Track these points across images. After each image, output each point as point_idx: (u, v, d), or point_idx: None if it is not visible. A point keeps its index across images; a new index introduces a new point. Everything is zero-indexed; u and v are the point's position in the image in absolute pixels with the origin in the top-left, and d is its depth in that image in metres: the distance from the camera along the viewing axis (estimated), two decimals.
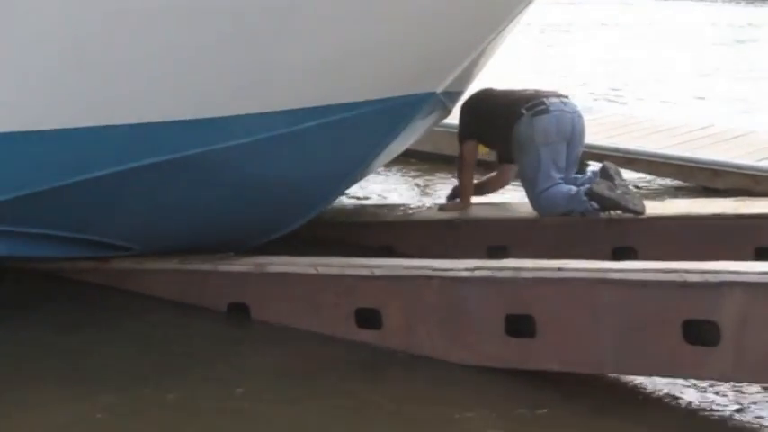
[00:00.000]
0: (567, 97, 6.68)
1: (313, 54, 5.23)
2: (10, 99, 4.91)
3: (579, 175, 6.65)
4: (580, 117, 6.63)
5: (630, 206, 6.24)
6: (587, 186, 6.31)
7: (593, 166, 6.74)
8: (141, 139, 5.14)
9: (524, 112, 6.46)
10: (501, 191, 7.28)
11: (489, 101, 6.74)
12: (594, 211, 6.30)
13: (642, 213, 6.25)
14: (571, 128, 6.52)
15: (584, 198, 6.29)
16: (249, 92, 5.26)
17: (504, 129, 6.53)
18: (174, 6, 4.80)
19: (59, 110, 4.97)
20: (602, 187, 6.25)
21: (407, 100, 5.83)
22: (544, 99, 6.52)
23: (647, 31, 23.23)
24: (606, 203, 6.25)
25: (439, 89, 5.99)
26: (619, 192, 6.26)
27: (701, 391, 4.87)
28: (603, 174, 6.39)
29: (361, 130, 5.75)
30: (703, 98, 14.16)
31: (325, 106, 5.49)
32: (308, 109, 5.44)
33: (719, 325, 4.52)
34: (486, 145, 6.88)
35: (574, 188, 6.37)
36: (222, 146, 5.34)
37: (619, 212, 6.27)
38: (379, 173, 7.85)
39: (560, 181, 6.44)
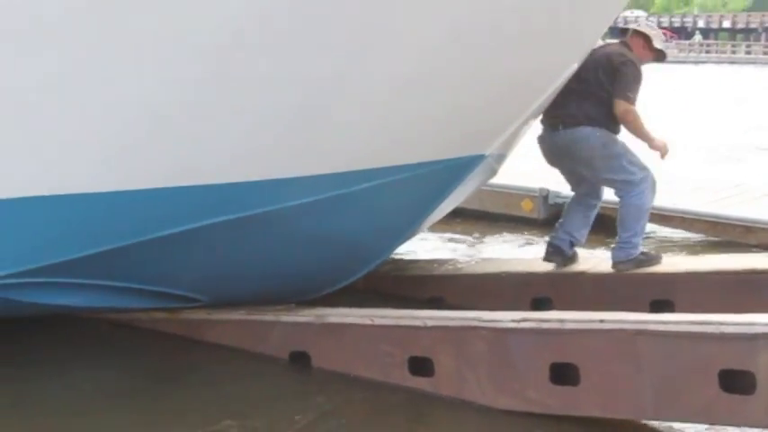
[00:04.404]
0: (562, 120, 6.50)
1: (373, 120, 5.43)
2: (92, 161, 5.07)
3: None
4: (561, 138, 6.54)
5: None
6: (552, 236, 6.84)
7: None
8: (213, 199, 5.35)
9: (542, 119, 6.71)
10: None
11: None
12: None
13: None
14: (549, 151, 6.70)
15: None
16: (311, 155, 5.45)
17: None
18: (247, 77, 4.98)
19: (138, 171, 5.16)
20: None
21: (459, 162, 6.06)
22: (546, 120, 6.62)
23: (685, 90, 23.24)
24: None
25: (488, 152, 6.24)
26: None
27: None
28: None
29: (416, 190, 5.95)
30: (740, 159, 14.38)
31: (384, 168, 5.69)
32: (368, 170, 5.63)
33: (755, 374, 4.64)
34: None
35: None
36: (286, 205, 5.54)
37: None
38: (429, 230, 8.08)
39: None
